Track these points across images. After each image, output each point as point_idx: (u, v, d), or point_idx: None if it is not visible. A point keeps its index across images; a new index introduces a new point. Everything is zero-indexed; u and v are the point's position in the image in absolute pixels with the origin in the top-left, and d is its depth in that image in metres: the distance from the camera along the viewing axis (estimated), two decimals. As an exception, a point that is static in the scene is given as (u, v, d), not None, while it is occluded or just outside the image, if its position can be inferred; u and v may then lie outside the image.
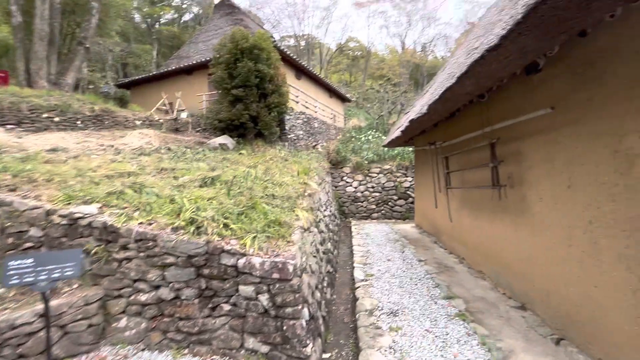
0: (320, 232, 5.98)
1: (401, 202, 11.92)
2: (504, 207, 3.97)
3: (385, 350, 2.96)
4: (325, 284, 4.82)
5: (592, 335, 2.56)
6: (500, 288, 4.20)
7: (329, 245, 6.37)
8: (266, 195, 4.26)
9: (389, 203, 12.07)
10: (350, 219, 12.08)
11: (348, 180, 12.57)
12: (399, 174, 12.11)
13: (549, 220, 3.06)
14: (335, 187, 12.57)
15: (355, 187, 12.39)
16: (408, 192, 11.88)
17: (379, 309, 3.89)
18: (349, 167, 12.67)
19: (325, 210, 7.59)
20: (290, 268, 2.77)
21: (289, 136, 11.54)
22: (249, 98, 8.96)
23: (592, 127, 2.49)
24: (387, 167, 12.40)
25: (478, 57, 2.60)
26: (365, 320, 3.63)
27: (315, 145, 13.60)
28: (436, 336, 3.16)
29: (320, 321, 3.64)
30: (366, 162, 12.62)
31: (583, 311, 2.65)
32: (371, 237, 8.37)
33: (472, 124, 4.67)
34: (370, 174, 12.46)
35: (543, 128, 3.08)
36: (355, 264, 6.03)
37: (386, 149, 12.83)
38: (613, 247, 2.30)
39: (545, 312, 3.22)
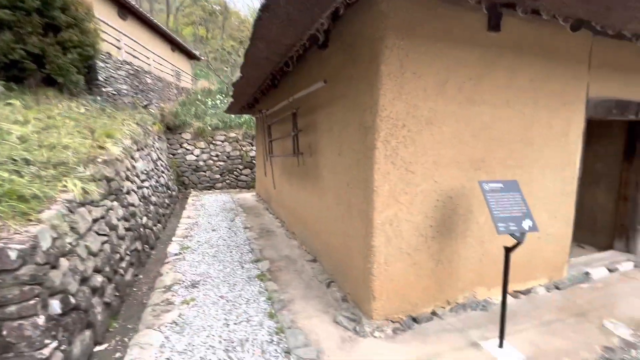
0: (129, 205, 5.12)
1: (247, 171, 11.82)
2: (305, 174, 4.34)
3: (166, 327, 2.76)
4: (125, 264, 4.17)
5: (345, 275, 3.14)
6: (304, 246, 4.70)
7: (144, 220, 5.57)
8: (12, 160, 3.12)
9: (235, 172, 11.77)
10: (192, 189, 11.16)
11: (188, 147, 11.40)
12: (245, 143, 11.85)
13: (329, 184, 3.49)
14: (173, 154, 11.20)
15: (197, 156, 11.40)
16: (254, 161, 11.87)
17: (180, 282, 3.65)
18: (189, 133, 11.46)
19: (145, 182, 6.57)
20: (13, 255, 2.09)
21: (104, 89, 9.23)
22: (24, 26, 6.43)
23: (352, 102, 2.86)
24: (233, 135, 11.89)
25: (257, 18, 2.51)
26: (158, 297, 3.32)
27: (148, 105, 11.53)
28: (228, 300, 3.20)
29: (99, 309, 3.08)
30: (210, 128, 11.71)
31: (343, 257, 3.20)
32: (206, 208, 7.95)
33: (284, 93, 4.83)
34: (214, 142, 11.67)
35: (325, 101, 3.40)
36: (174, 238, 5.52)
37: (233, 116, 12.27)
38: (356, 204, 2.80)
39: (326, 262, 3.77)
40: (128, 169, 5.48)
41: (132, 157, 6.10)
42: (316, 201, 3.97)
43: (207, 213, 7.37)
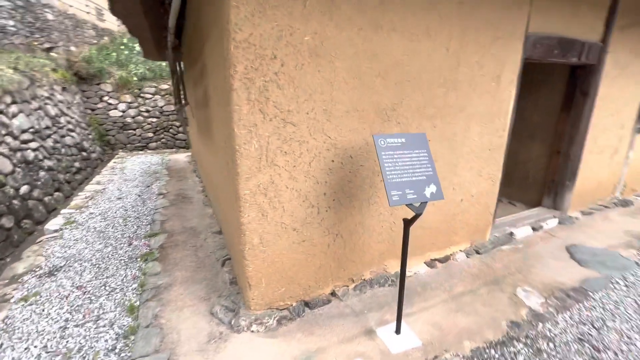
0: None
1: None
2: (206, 128, 3.54)
3: (-22, 337, 2.07)
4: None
5: (233, 253, 2.57)
6: (215, 215, 4.05)
7: (23, 189, 4.53)
8: None
9: (171, 130, 10.46)
10: (120, 150, 9.81)
11: (111, 101, 9.79)
12: (180, 96, 10.42)
13: (216, 141, 2.74)
14: (92, 110, 9.58)
15: (123, 111, 9.87)
16: (191, 117, 10.58)
17: (36, 270, 2.90)
18: (110, 84, 9.78)
19: (31, 142, 5.34)
20: None
21: (-23, 25, 7.26)
22: None
23: (212, 25, 2.04)
24: (165, 86, 10.34)
25: None
26: (-6, 293, 2.58)
27: (52, 48, 9.50)
28: (85, 292, 2.55)
29: None
30: (136, 79, 10.07)
31: (230, 231, 2.60)
32: (125, 172, 6.90)
33: (191, 26, 3.78)
34: (143, 95, 10.12)
35: (206, 32, 2.52)
36: (64, 210, 4.61)
37: (164, 63, 10.59)
38: (228, 168, 2.13)
39: (225, 235, 3.17)
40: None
41: (0, 111, 4.84)
42: (212, 161, 3.25)
43: (123, 178, 6.38)
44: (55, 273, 2.83)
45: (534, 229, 3.58)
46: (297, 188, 2.05)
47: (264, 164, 1.90)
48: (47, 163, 5.70)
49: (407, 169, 1.79)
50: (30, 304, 2.40)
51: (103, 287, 2.61)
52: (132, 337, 2.05)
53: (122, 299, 2.46)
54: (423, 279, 2.68)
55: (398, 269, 2.72)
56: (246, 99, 1.76)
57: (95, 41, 12.45)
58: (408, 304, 2.35)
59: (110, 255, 3.14)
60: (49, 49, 9.29)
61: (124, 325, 2.17)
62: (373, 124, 2.21)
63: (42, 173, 5.34)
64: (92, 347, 1.98)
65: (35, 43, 8.87)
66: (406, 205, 1.72)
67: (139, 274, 2.80)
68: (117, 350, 1.95)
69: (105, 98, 9.76)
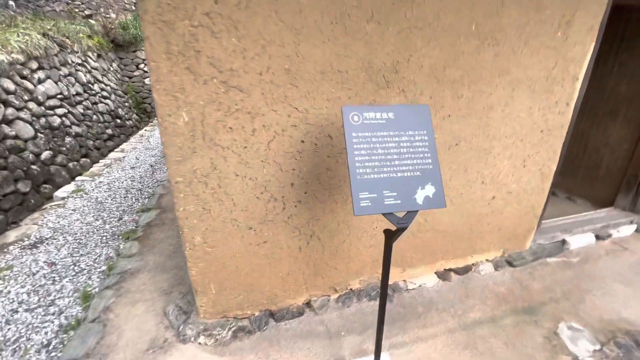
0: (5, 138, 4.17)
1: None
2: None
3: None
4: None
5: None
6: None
7: (44, 155, 4.66)
8: None
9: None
10: (156, 118, 10.04)
11: (147, 69, 9.89)
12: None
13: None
14: (130, 77, 9.81)
15: (158, 79, 9.93)
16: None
17: (24, 240, 2.86)
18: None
19: (57, 109, 5.46)
20: None
21: (20, -8, 7.51)
22: None
23: None
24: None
25: None
26: (-23, 262, 2.56)
27: (93, 15, 9.72)
28: (53, 270, 2.41)
29: None
30: (169, 45, 9.98)
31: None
32: (150, 141, 6.96)
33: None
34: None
35: None
36: (80, 177, 4.68)
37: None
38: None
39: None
40: (7, 91, 4.37)
41: (25, 77, 4.92)
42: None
43: (146, 146, 6.42)
44: (38, 245, 2.76)
45: (598, 237, 2.72)
46: (251, 176, 1.56)
47: (200, 144, 1.43)
48: (76, 129, 5.86)
49: (392, 159, 1.19)
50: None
51: (74, 266, 2.46)
52: (72, 333, 1.83)
53: (85, 282, 2.28)
54: (429, 294, 2.11)
55: (397, 279, 2.18)
56: (164, 52, 1.26)
57: (135, 8, 12.59)
58: (400, 329, 1.83)
59: (96, 230, 3.01)
60: (88, 16, 9.50)
61: (71, 316, 1.97)
62: (362, 92, 1.59)
63: (68, 139, 5.49)
64: (29, 339, 1.80)
65: (76, 10, 9.09)
66: (383, 215, 1.15)
67: (113, 254, 2.61)
68: (50, 348, 1.75)
69: (142, 66, 9.88)
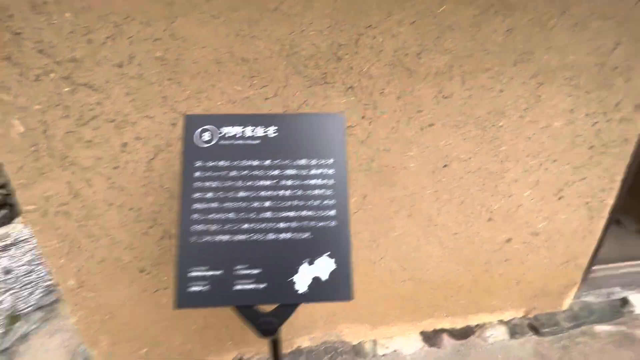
0: None
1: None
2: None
3: None
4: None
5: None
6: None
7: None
8: None
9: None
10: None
11: None
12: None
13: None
14: None
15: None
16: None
17: None
18: None
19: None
20: None
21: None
22: None
23: None
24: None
25: None
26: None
27: None
28: None
29: None
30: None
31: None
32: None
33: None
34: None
35: None
36: None
37: None
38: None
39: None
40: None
41: None
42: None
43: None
44: None
45: (682, 297, 1.88)
46: (131, 205, 1.15)
47: (48, 162, 1.05)
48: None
49: (261, 209, 0.69)
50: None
51: (25, 276, 2.31)
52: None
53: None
54: (404, 367, 1.55)
55: (363, 338, 1.64)
56: (-33, 34, 0.89)
57: None
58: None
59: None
60: None
61: (-15, 342, 1.76)
62: (286, 90, 1.08)
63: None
64: None
65: None
66: (237, 308, 0.66)
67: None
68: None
69: None
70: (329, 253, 0.68)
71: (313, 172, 0.70)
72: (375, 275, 1.45)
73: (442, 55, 1.12)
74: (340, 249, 0.68)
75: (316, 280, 0.67)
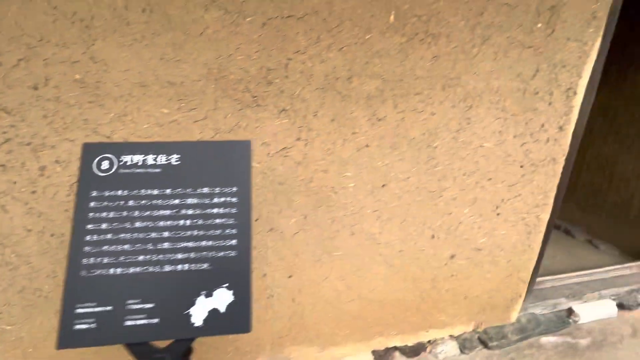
0: None
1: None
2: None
3: None
4: None
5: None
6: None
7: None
8: None
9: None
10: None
11: None
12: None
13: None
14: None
15: None
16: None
17: None
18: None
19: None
20: None
21: None
22: None
23: None
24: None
25: None
26: None
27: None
28: None
29: None
30: None
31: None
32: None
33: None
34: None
35: None
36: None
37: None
38: None
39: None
40: None
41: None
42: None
43: None
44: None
45: (622, 306, 1.97)
46: (53, 232, 1.10)
47: (-46, 187, 0.99)
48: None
49: (158, 239, 0.67)
50: None
51: None
52: None
53: None
54: (355, 388, 1.52)
55: (314, 362, 1.61)
56: None
57: None
58: None
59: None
60: None
61: None
62: (216, 113, 1.08)
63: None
64: None
65: None
66: (127, 345, 0.63)
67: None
68: None
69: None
70: (227, 285, 0.66)
71: (215, 200, 0.70)
72: (321, 295, 1.44)
73: (373, 80, 1.16)
74: (239, 280, 0.66)
75: (214, 312, 0.65)
